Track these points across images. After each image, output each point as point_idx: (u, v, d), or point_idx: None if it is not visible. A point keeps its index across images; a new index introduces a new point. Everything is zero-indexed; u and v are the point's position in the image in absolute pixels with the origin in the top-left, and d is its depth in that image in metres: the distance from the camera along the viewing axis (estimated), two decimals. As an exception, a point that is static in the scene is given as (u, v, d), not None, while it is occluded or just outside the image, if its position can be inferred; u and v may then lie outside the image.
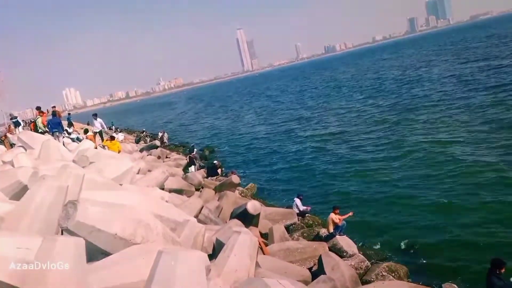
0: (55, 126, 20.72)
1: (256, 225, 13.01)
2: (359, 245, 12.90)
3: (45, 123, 21.38)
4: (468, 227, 13.19)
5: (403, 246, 12.92)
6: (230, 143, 40.71)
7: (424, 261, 11.85)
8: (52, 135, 20.09)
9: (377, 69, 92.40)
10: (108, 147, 19.45)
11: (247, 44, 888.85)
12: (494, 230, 12.63)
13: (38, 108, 23.73)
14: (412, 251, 12.55)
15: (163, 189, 14.66)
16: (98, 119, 25.59)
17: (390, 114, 35.19)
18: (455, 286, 9.61)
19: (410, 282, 9.90)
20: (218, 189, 18.99)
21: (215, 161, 27.36)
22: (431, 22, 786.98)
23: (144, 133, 58.00)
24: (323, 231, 13.49)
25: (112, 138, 21.75)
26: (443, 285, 9.69)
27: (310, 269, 10.70)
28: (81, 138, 23.23)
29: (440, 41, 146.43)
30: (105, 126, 29.37)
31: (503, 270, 7.69)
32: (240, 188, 20.02)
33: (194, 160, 27.30)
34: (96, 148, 18.13)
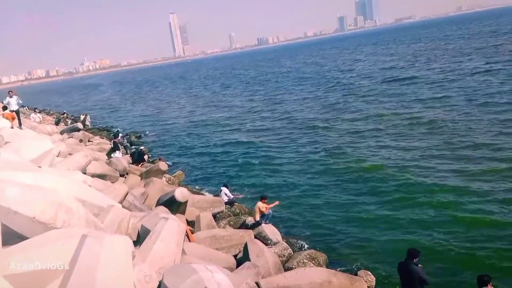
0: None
1: (183, 213, 12.93)
2: (283, 233, 13.31)
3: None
4: (383, 218, 14.11)
5: (323, 235, 13.54)
6: (158, 129, 39.80)
7: (343, 250, 12.52)
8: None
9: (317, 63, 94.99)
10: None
11: (180, 29, 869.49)
12: (407, 220, 13.63)
13: None
14: (332, 240, 13.19)
15: (85, 173, 14.02)
16: (14, 97, 23.73)
17: (320, 110, 36.51)
18: (370, 273, 10.25)
19: (329, 268, 10.41)
20: (144, 176, 18.56)
21: (141, 147, 26.63)
22: (359, 22, 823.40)
23: (65, 114, 54.89)
24: (250, 219, 13.74)
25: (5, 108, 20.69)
26: (358, 272, 10.29)
27: (235, 256, 10.89)
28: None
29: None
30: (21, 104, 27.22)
31: (417, 259, 8.29)
32: (168, 175, 19.72)
33: (119, 145, 26.38)
34: (12, 127, 16.87)
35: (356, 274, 10.08)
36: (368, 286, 9.72)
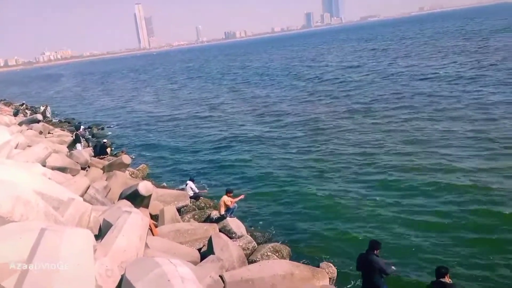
0: None
1: (147, 206, 12.80)
2: (248, 226, 13.42)
3: None
4: (345, 212, 14.43)
5: (288, 229, 13.72)
6: (121, 122, 39.00)
7: (306, 243, 12.73)
8: None
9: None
10: None
11: (145, 21, 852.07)
12: (369, 214, 14.00)
13: None
14: (295, 233, 13.39)
15: (44, 166, 13.60)
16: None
17: (283, 102, 36.81)
18: (331, 265, 10.47)
19: (292, 261, 10.58)
20: (107, 169, 18.22)
21: (104, 140, 26.10)
22: (326, 19, 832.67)
23: (24, 105, 52.88)
24: (215, 213, 13.75)
25: None
26: (320, 264, 10.49)
27: (200, 250, 10.88)
28: None
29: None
30: None
31: (378, 250, 8.53)
32: (131, 169, 19.44)
33: (81, 137, 25.74)
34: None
35: (318, 266, 10.26)
36: (329, 278, 9.92)
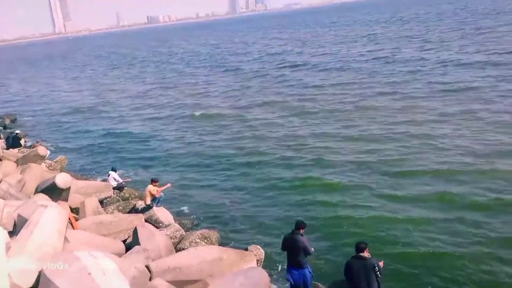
0: None
1: (66, 200, 12.18)
2: (176, 215, 13.29)
3: None
4: (272, 196, 14.78)
5: (216, 214, 13.81)
6: (36, 112, 36.71)
7: (235, 227, 12.93)
8: None
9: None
10: None
11: (60, 3, 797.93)
12: (296, 198, 14.37)
13: None
14: (224, 219, 13.52)
15: None
16: None
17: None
18: (259, 247, 10.72)
19: (221, 246, 10.68)
20: (21, 162, 17.15)
21: (17, 131, 24.49)
22: (251, 6, 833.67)
23: None
24: (140, 203, 13.46)
25: None
26: (249, 247, 10.70)
27: (125, 241, 10.60)
28: None
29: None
30: None
31: (303, 230, 8.88)
32: (48, 161, 18.39)
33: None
34: None
35: (246, 249, 10.43)
36: (257, 260, 10.14)
